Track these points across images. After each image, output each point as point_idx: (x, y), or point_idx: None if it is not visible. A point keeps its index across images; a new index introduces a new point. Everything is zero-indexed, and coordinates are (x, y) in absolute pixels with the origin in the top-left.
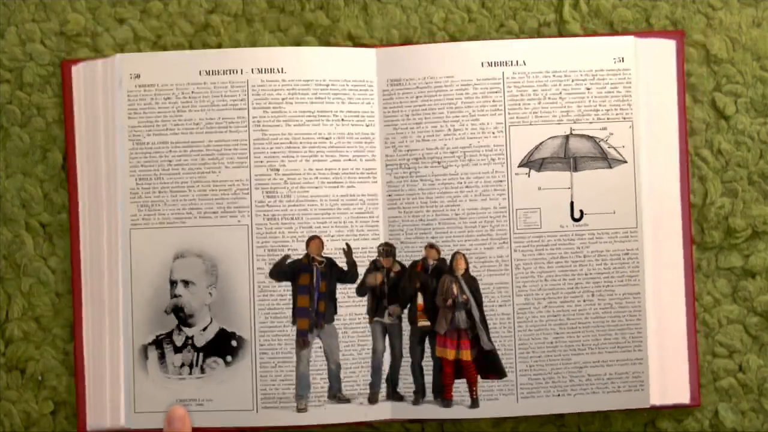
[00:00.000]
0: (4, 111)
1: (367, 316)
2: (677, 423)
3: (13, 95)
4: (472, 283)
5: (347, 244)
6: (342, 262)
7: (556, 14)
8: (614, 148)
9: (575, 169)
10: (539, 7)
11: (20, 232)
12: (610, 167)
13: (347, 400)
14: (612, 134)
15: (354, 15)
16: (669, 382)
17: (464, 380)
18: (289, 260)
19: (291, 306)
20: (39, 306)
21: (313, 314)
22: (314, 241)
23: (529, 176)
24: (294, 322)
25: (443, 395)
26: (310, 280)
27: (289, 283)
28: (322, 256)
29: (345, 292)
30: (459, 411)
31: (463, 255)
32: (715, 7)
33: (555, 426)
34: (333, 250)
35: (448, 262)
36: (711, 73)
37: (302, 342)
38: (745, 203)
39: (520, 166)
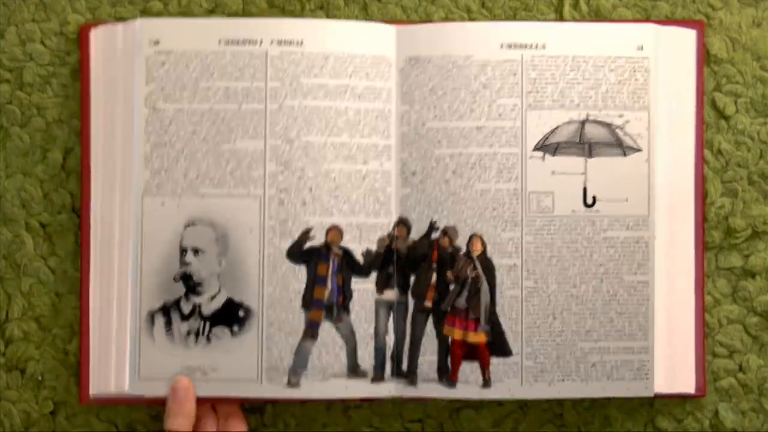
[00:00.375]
0: (4, 111)
1: (375, 294)
2: (677, 423)
3: (13, 95)
4: (487, 265)
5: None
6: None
7: (556, 14)
8: (630, 136)
9: (590, 155)
10: (539, 7)
11: (20, 232)
12: (625, 155)
13: (364, 374)
14: (628, 122)
15: (354, 15)
16: (675, 372)
17: (471, 362)
18: (308, 243)
19: (302, 283)
20: (39, 306)
21: (332, 307)
22: (333, 230)
23: (543, 160)
24: (307, 310)
25: (449, 376)
26: (326, 270)
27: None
28: (340, 247)
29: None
30: (466, 390)
31: (480, 237)
32: (715, 7)
33: (555, 426)
34: (345, 226)
35: (465, 245)
36: (711, 73)
37: (311, 333)
38: (745, 203)
39: (535, 149)
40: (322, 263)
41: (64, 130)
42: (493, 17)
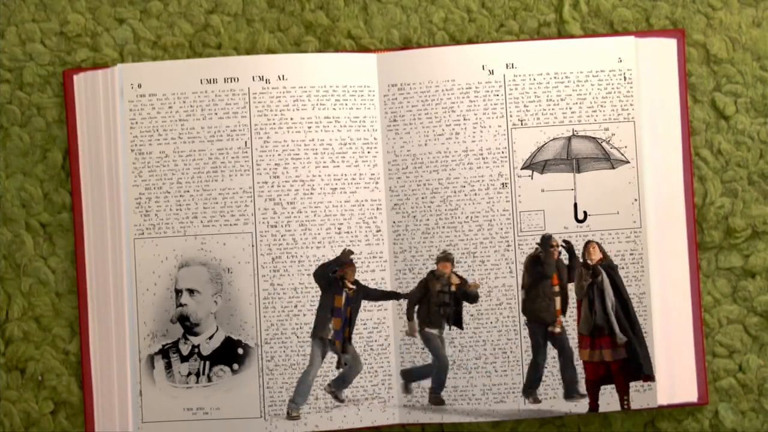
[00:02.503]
0: (4, 111)
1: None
2: (677, 423)
3: (13, 95)
4: (609, 273)
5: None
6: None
7: (556, 14)
8: (616, 149)
9: (578, 171)
10: (539, 7)
11: (20, 232)
12: (613, 168)
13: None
14: (614, 135)
15: (354, 15)
16: (676, 381)
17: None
18: (332, 272)
19: (300, 315)
20: (39, 306)
21: (340, 338)
22: (350, 266)
23: (532, 178)
24: (319, 340)
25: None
26: (341, 303)
27: (294, 291)
28: (354, 281)
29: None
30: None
31: (597, 244)
32: (715, 7)
33: (555, 426)
34: (337, 252)
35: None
36: (711, 73)
37: (337, 361)
38: (745, 203)
39: (523, 168)
40: (338, 295)
41: (64, 130)
42: (493, 17)
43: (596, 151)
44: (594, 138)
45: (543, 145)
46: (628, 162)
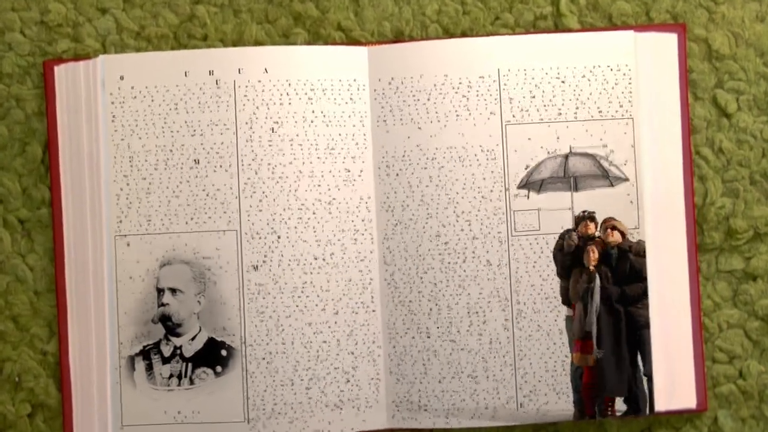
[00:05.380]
0: None
1: None
2: (675, 430)
3: None
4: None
5: None
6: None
7: (553, 7)
8: (615, 166)
9: (576, 189)
10: (536, 0)
11: None
12: (612, 186)
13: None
14: (613, 151)
15: (344, 6)
16: (674, 387)
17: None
18: None
19: (284, 315)
20: (16, 305)
21: None
22: None
23: (528, 198)
24: None
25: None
26: None
27: (278, 291)
28: None
29: None
30: None
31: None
32: (717, 1)
33: None
34: (325, 255)
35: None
36: (712, 70)
37: None
38: (747, 204)
39: (519, 187)
40: None
41: (44, 122)
42: (488, 10)
43: (594, 168)
44: (592, 155)
45: (540, 163)
46: (627, 179)
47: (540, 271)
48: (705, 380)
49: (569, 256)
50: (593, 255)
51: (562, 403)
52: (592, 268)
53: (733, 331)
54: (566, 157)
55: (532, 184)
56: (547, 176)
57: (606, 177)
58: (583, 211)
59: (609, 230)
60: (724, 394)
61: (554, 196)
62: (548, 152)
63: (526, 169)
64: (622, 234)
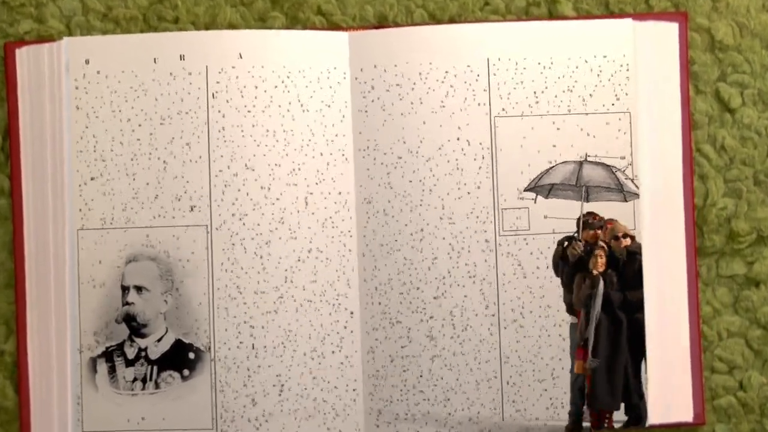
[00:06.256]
0: None
1: None
2: None
3: None
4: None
5: None
6: None
7: None
8: (631, 180)
9: (587, 200)
10: None
11: None
12: (626, 200)
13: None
14: (631, 164)
15: None
16: (670, 399)
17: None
18: None
19: (256, 316)
20: None
21: None
22: None
23: (535, 202)
24: None
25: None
26: None
27: (250, 290)
28: None
29: None
30: None
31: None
32: None
33: None
34: (300, 253)
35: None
36: (715, 61)
37: None
38: (750, 205)
39: (526, 190)
40: None
41: (4, 108)
42: None
43: (609, 180)
44: (608, 166)
45: (551, 168)
46: (638, 196)
47: (528, 273)
48: (703, 392)
49: (573, 264)
50: (601, 260)
51: (552, 414)
52: (596, 273)
53: (734, 339)
54: (581, 164)
55: (540, 187)
56: (558, 182)
57: (620, 191)
58: (595, 217)
59: (621, 238)
60: (723, 406)
61: (562, 204)
62: (538, 150)
63: (523, 168)
64: (632, 237)
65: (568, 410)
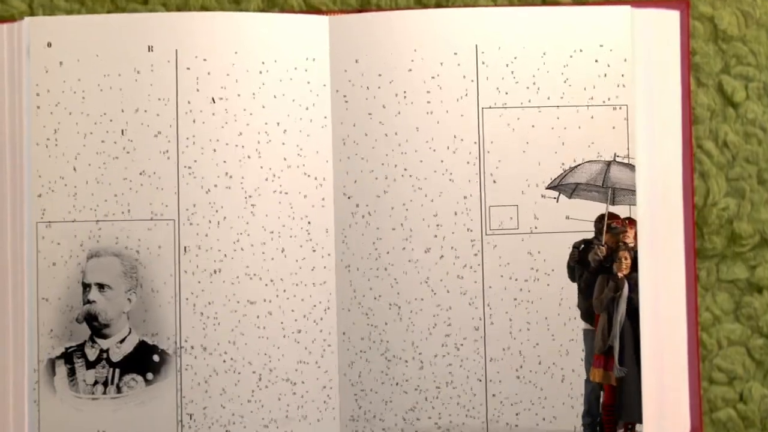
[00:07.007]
0: None
1: None
2: None
3: None
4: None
5: None
6: None
7: None
8: None
9: (613, 202)
10: None
11: None
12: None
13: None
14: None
15: None
16: (666, 411)
17: None
18: None
19: (224, 316)
20: None
21: None
22: None
23: (557, 201)
24: None
25: None
26: None
27: (219, 290)
28: None
29: None
30: None
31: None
32: None
33: None
34: (275, 250)
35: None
36: (718, 52)
37: None
38: (753, 205)
39: (548, 188)
40: None
41: None
42: None
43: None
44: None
45: (577, 166)
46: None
47: (517, 274)
48: (701, 403)
49: (595, 269)
50: (626, 263)
51: (545, 425)
52: (621, 275)
53: (734, 348)
54: (609, 164)
55: (564, 186)
56: (583, 182)
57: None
58: (618, 221)
59: None
60: (722, 419)
61: (586, 205)
62: (527, 141)
63: (512, 163)
64: None
65: (580, 422)
